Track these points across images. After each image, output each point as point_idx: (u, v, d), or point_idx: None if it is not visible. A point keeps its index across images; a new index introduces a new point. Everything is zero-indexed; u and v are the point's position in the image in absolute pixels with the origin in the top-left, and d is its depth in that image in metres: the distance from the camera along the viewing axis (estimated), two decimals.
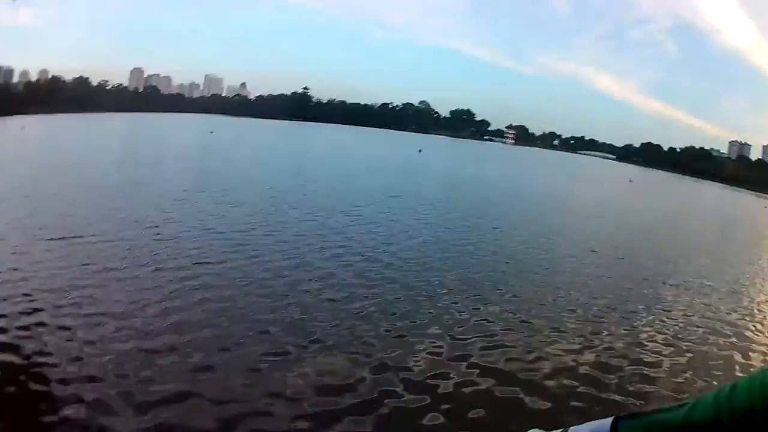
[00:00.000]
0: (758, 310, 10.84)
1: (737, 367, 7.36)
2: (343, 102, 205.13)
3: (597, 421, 0.47)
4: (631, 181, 59.57)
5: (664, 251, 16.34)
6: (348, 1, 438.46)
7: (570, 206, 24.55)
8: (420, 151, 58.73)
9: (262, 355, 6.10)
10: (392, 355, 6.39)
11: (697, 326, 8.99)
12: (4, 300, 6.96)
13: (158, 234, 11.00)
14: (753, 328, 9.36)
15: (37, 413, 4.70)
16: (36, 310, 6.70)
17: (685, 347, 7.87)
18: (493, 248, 13.18)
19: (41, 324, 6.33)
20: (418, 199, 20.10)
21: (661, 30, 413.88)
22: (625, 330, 8.26)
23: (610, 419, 0.46)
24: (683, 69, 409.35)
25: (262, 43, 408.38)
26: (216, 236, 11.33)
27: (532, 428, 0.59)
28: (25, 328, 6.21)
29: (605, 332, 8.05)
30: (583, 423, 0.50)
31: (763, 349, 8.45)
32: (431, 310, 8.07)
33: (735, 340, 8.57)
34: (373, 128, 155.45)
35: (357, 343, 6.63)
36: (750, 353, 7.98)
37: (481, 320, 7.89)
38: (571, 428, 0.50)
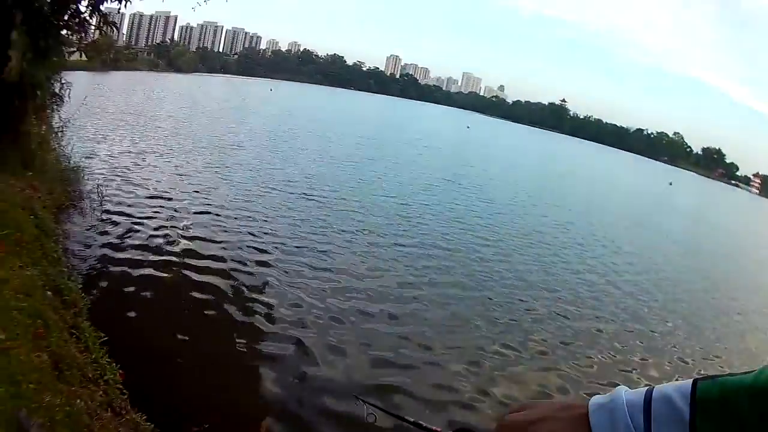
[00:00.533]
0: None
1: None
2: (599, 120, 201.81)
3: (679, 381, 0.54)
4: None
5: None
6: (604, 17, 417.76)
7: None
8: (671, 184, 57.53)
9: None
10: None
11: None
12: None
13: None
14: None
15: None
16: None
17: None
18: None
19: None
20: None
21: None
22: None
23: (690, 380, 0.54)
24: None
25: (521, 50, 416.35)
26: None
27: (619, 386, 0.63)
28: None
29: None
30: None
31: None
32: None
33: None
34: (624, 151, 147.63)
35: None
36: None
37: None
38: (656, 387, 0.56)
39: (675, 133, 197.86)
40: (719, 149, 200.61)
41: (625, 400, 0.54)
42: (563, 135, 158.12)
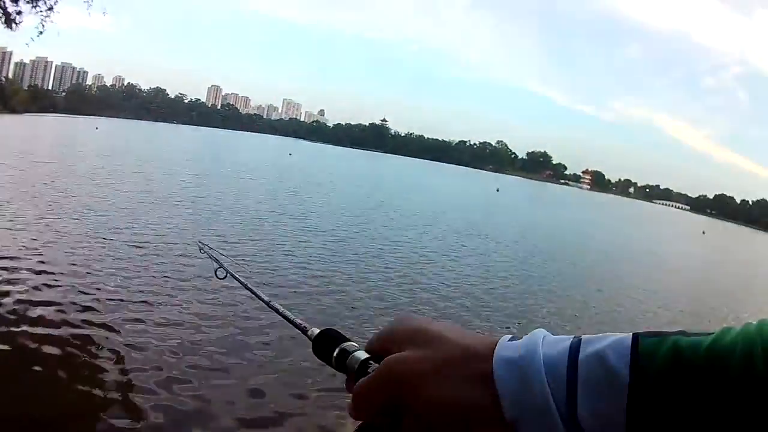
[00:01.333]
0: None
1: None
2: (421, 136, 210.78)
3: (612, 334, 0.48)
4: (704, 233, 59.29)
5: None
6: (425, 36, 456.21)
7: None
8: (498, 190, 59.08)
9: None
10: None
11: None
12: None
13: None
14: None
15: None
16: None
17: None
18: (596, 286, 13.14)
19: None
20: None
21: (732, 77, 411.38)
22: None
23: (628, 334, 0.51)
24: (754, 117, 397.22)
25: (341, 73, 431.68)
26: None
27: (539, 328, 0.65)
28: None
29: None
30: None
31: None
32: None
33: None
34: (451, 165, 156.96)
35: None
36: None
37: None
38: (585, 336, 0.52)
39: (498, 142, 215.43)
40: (545, 152, 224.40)
41: (542, 355, 0.41)
42: (386, 153, 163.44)
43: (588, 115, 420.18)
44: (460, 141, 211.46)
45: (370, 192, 30.32)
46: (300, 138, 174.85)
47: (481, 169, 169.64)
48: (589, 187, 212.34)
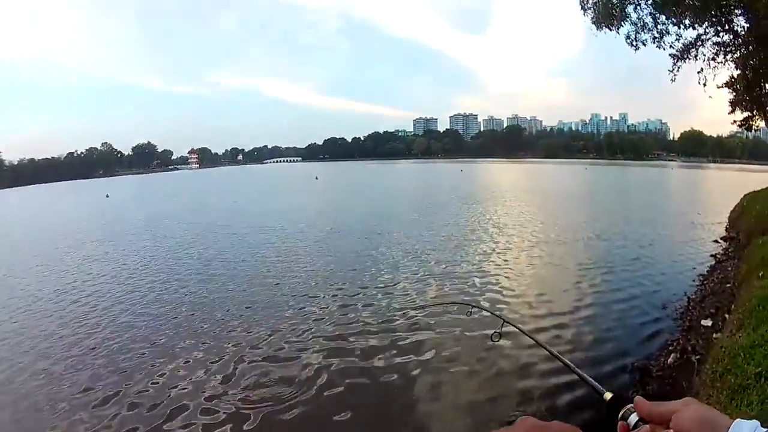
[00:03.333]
0: None
1: None
2: (33, 159, 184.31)
3: None
4: (317, 178, 63.51)
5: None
6: (19, 49, 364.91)
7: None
8: (107, 196, 54.68)
9: None
10: None
11: None
12: None
13: None
14: None
15: None
16: None
17: None
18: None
19: None
20: None
21: (333, 30, 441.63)
22: None
23: None
24: (360, 64, 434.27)
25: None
26: None
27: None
28: None
29: None
30: None
31: None
32: None
33: None
34: (59, 182, 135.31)
35: None
36: None
37: None
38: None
39: (103, 144, 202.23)
40: (149, 142, 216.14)
41: None
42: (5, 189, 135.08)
43: (187, 94, 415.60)
44: (68, 153, 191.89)
45: None
46: None
47: (91, 177, 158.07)
48: (197, 165, 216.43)
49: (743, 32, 19.51)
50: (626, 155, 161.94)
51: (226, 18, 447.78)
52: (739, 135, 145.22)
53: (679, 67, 20.65)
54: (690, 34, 20.34)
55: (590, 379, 1.00)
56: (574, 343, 7.79)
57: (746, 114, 25.78)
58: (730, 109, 25.94)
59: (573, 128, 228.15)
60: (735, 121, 26.83)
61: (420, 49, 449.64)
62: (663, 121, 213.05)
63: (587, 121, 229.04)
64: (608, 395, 0.85)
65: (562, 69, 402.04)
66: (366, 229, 20.33)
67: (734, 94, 24.66)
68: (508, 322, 1.58)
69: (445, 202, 30.17)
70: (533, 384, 6.34)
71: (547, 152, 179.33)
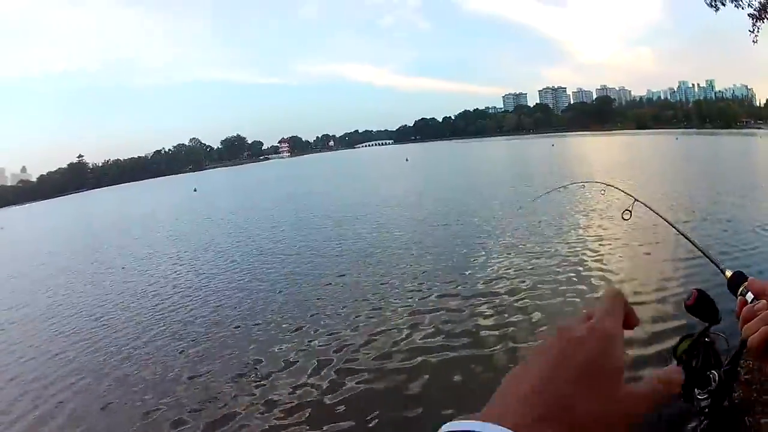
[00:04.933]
0: None
1: None
2: (118, 160, 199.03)
3: None
4: (407, 160, 62.03)
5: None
6: (93, 57, 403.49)
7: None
8: (195, 190, 55.23)
9: None
10: None
11: None
12: None
13: None
14: None
15: None
16: None
17: None
18: None
19: None
20: None
21: (411, 10, 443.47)
22: None
23: None
24: (441, 42, 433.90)
25: (34, 120, 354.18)
26: None
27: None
28: None
29: None
30: None
31: None
32: None
33: None
34: (149, 180, 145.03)
35: None
36: None
37: None
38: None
39: (192, 140, 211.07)
40: (238, 135, 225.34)
41: None
42: (89, 191, 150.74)
43: (273, 84, 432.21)
44: (155, 152, 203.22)
45: None
46: (7, 205, 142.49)
47: (180, 173, 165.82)
48: (289, 154, 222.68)
49: None
50: (714, 123, 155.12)
51: (305, 7, 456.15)
52: None
53: (758, 28, 19.71)
54: None
55: (713, 255, 1.02)
56: None
57: None
58: None
59: (662, 97, 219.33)
60: None
61: (502, 23, 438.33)
62: (749, 87, 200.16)
63: (675, 89, 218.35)
64: (729, 272, 0.89)
65: (645, 36, 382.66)
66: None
67: None
68: (638, 200, 1.54)
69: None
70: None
71: (638, 123, 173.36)
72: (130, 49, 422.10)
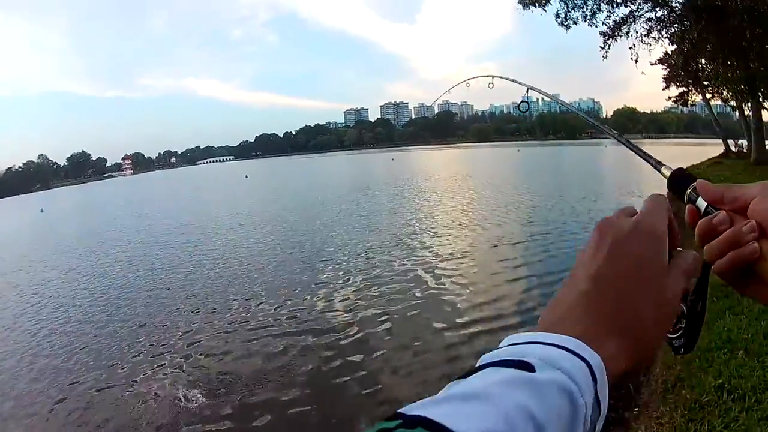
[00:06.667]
0: None
1: None
2: None
3: None
4: (246, 177, 62.16)
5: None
6: None
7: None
8: (42, 210, 51.07)
9: None
10: None
11: None
12: None
13: None
14: None
15: None
16: None
17: None
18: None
19: None
20: None
21: (262, 23, 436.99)
22: None
23: None
24: (288, 57, 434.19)
25: None
26: None
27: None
28: None
29: None
30: None
31: None
32: None
33: None
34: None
35: None
36: None
37: None
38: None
39: (40, 156, 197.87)
40: (83, 151, 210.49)
41: None
42: None
43: (118, 98, 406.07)
44: (6, 169, 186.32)
45: None
46: None
47: (29, 192, 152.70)
48: (132, 171, 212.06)
49: (678, 7, 19.29)
50: (559, 135, 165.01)
51: (155, 18, 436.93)
52: (674, 110, 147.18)
53: (610, 45, 20.19)
54: (622, 11, 19.80)
55: (642, 150, 0.76)
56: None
57: (681, 89, 26.45)
58: (665, 85, 26.54)
59: (505, 111, 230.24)
60: (670, 98, 27.56)
61: (349, 40, 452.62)
62: (596, 100, 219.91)
63: (518, 103, 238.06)
64: (667, 171, 0.65)
65: (491, 52, 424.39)
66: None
67: (668, 70, 25.15)
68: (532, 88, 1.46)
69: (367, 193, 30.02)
70: None
71: (479, 136, 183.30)
72: None
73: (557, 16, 20.06)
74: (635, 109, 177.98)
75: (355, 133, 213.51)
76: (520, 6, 20.05)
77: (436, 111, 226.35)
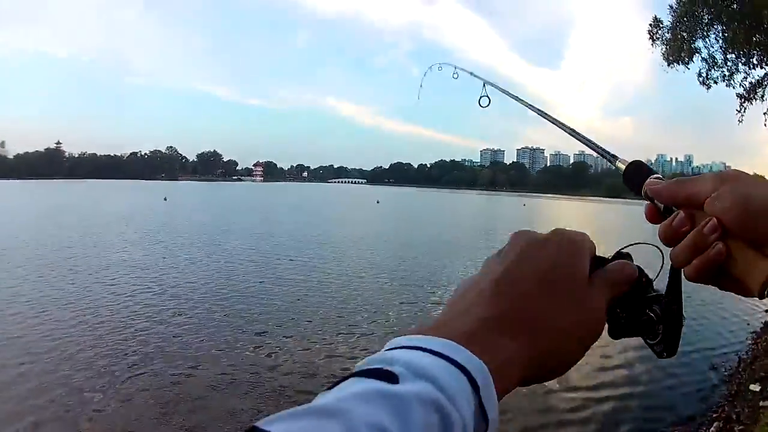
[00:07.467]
0: None
1: None
2: (95, 155, 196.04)
3: None
4: (378, 202, 62.63)
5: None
6: (91, 46, 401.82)
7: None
8: (165, 199, 52.17)
9: None
10: None
11: None
12: None
13: None
14: None
15: None
16: None
17: None
18: None
19: None
20: None
21: (404, 53, 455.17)
22: None
23: None
24: (429, 89, 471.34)
25: (21, 97, 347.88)
26: None
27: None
28: None
29: None
30: None
31: None
32: None
33: None
34: (122, 180, 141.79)
35: None
36: None
37: None
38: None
39: (168, 148, 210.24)
40: (215, 151, 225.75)
41: None
42: (61, 180, 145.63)
43: (257, 106, 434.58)
44: (131, 153, 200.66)
45: None
46: None
47: (153, 179, 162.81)
48: (262, 178, 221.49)
49: None
50: None
51: (299, 36, 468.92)
52: None
53: (746, 108, 20.11)
54: (758, 73, 19.43)
55: (598, 144, 0.71)
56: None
57: None
58: None
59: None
60: None
61: (494, 78, 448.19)
62: (727, 165, 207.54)
63: (652, 162, 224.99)
64: (621, 165, 0.61)
65: (628, 106, 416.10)
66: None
67: None
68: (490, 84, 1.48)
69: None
70: None
71: (610, 192, 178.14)
72: (126, 46, 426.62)
73: (699, 75, 19.77)
74: (764, 177, 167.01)
75: (489, 174, 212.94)
76: (665, 63, 19.44)
77: (572, 161, 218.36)
